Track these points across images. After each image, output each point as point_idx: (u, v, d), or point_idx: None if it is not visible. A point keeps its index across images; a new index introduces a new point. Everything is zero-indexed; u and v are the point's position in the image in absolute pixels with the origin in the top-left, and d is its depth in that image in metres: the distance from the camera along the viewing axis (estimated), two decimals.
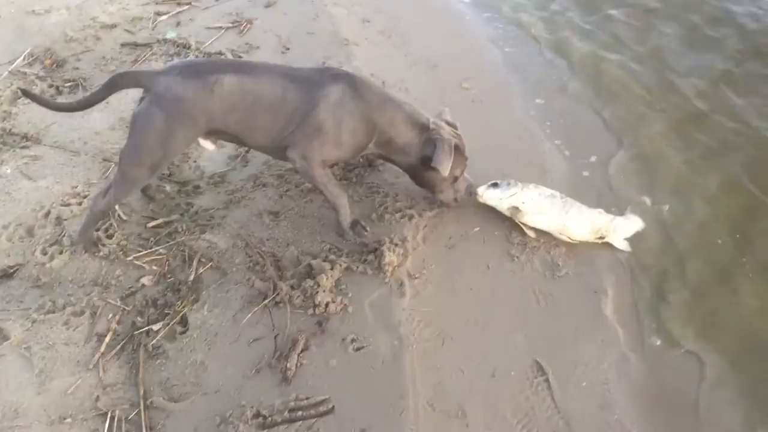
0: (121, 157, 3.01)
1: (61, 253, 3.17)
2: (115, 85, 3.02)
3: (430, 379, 2.71)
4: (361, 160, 3.73)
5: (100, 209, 3.12)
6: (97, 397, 2.64)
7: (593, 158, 4.06)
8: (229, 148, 3.87)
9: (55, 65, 4.71)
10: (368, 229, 3.28)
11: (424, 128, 3.17)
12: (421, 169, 3.24)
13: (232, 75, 2.94)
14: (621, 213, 3.49)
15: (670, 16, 5.59)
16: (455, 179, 3.31)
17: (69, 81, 4.52)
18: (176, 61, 3.10)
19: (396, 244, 3.20)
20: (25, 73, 4.55)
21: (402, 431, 2.54)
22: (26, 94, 3.30)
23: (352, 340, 2.81)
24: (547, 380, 2.74)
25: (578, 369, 2.80)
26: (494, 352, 2.85)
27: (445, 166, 3.10)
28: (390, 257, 3.12)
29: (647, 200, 3.67)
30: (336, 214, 3.26)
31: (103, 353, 2.78)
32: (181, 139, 2.99)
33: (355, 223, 3.28)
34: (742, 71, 4.87)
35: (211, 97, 2.89)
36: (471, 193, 3.43)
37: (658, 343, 2.97)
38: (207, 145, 3.13)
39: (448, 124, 3.31)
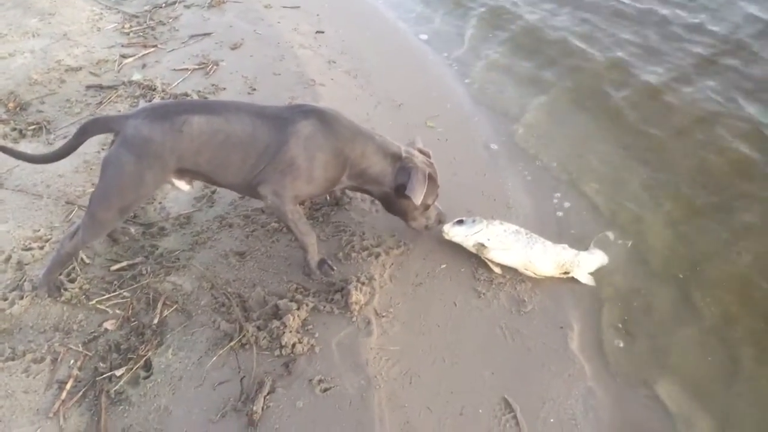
0: (91, 199, 2.98)
1: (21, 298, 3.11)
2: (86, 131, 3.00)
3: (398, 419, 2.69)
4: (328, 198, 3.74)
5: (67, 252, 3.07)
6: None
7: (557, 194, 4.13)
8: (196, 188, 3.86)
9: (18, 108, 4.68)
10: (334, 268, 3.28)
11: (396, 157, 3.21)
12: (395, 198, 3.27)
13: (200, 115, 2.93)
14: (585, 248, 3.53)
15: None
16: (427, 207, 3.34)
17: (33, 124, 4.49)
18: (146, 104, 3.09)
19: (363, 283, 3.21)
20: None
21: None
22: (5, 150, 3.21)
23: (320, 381, 2.79)
24: (515, 417, 2.74)
25: (546, 405, 2.80)
26: (462, 390, 2.84)
27: (418, 195, 3.14)
28: (357, 296, 3.11)
29: (610, 235, 3.72)
30: (304, 253, 3.26)
31: (63, 401, 2.72)
32: (151, 181, 2.95)
33: (322, 263, 3.28)
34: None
35: (180, 138, 2.88)
36: (441, 221, 3.48)
37: (624, 378, 2.99)
38: (181, 185, 3.11)
39: (421, 152, 3.36)
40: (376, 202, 3.57)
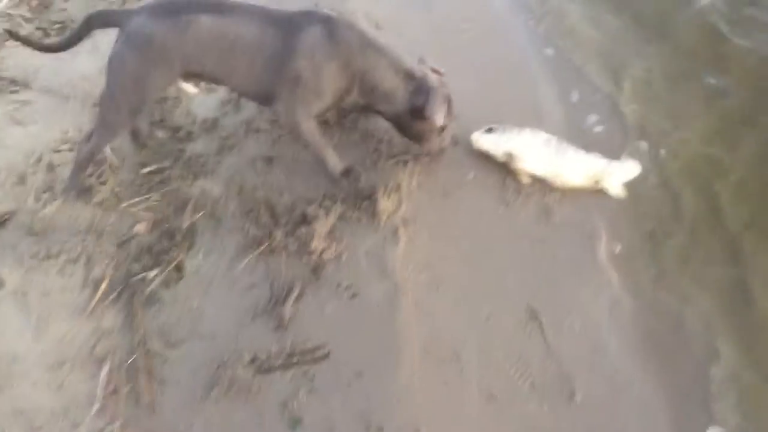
0: (100, 101, 2.98)
1: (54, 200, 3.16)
2: (90, 24, 2.94)
3: (425, 325, 2.74)
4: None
5: (84, 156, 3.09)
6: (94, 343, 2.68)
7: (592, 105, 4.01)
8: (221, 92, 3.81)
9: (41, 6, 4.58)
10: (362, 174, 3.24)
11: (410, 76, 3.07)
12: (409, 119, 3.14)
13: (208, 15, 2.83)
14: (617, 158, 3.46)
15: None
16: (443, 129, 3.23)
17: (56, 23, 4.40)
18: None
19: (390, 191, 3.19)
20: (11, 15, 4.43)
21: (397, 376, 2.59)
22: (11, 34, 3.21)
23: (347, 287, 2.83)
24: (540, 324, 2.78)
25: (571, 313, 2.84)
26: (488, 298, 2.87)
27: (439, 116, 3.05)
28: (384, 204, 3.11)
29: (644, 145, 3.64)
30: (324, 167, 3.22)
31: (99, 300, 2.80)
32: (156, 80, 2.92)
33: (348, 170, 3.25)
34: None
35: (185, 38, 2.81)
36: (456, 142, 3.41)
37: (652, 287, 2.99)
38: (189, 88, 3.08)
39: (433, 70, 3.20)
40: None
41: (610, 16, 4.80)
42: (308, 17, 2.95)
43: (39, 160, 3.35)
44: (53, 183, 3.24)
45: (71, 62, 4.01)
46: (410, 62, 3.12)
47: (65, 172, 3.26)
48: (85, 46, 4.06)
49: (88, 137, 3.08)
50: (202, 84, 3.20)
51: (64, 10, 4.55)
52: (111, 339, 2.71)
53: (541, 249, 3.09)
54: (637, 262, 3.10)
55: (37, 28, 4.31)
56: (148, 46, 2.79)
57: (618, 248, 3.14)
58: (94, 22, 2.94)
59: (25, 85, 3.85)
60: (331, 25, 2.94)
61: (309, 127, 3.09)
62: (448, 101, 3.14)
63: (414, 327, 2.72)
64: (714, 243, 3.19)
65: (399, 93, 3.07)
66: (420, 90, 3.05)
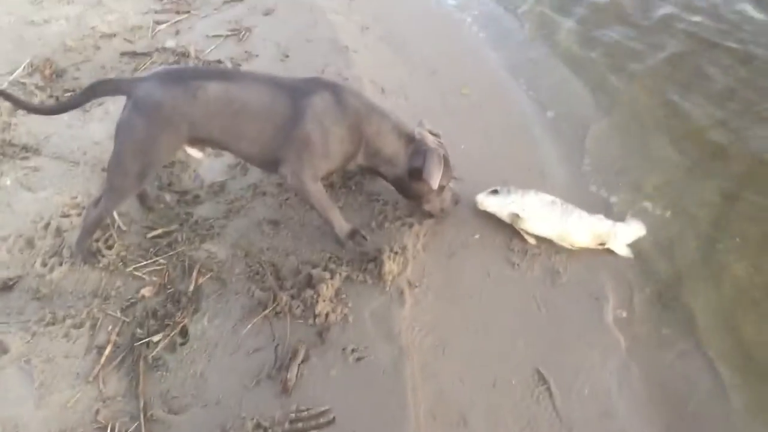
0: (108, 166, 3.00)
1: (60, 264, 3.18)
2: (94, 91, 2.98)
3: (431, 389, 2.70)
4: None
5: (92, 221, 3.12)
6: (98, 410, 2.64)
7: (594, 163, 4.05)
8: (228, 156, 3.87)
9: (54, 75, 4.71)
10: (367, 237, 3.25)
11: (410, 138, 3.16)
12: (409, 181, 3.21)
13: (217, 82, 2.90)
14: (622, 219, 3.47)
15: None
16: (442, 189, 3.28)
17: (68, 90, 4.52)
18: (159, 68, 3.15)
19: (396, 253, 3.19)
20: (25, 84, 4.54)
21: None
22: (3, 95, 3.15)
23: (353, 350, 2.80)
24: (548, 388, 2.73)
25: (580, 377, 2.79)
26: (495, 361, 2.84)
27: (435, 178, 3.08)
28: (390, 266, 3.11)
29: (648, 205, 3.66)
30: (331, 228, 3.23)
31: (103, 365, 2.78)
32: (164, 146, 2.94)
33: (353, 233, 3.25)
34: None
35: (194, 103, 2.85)
36: (457, 202, 3.43)
37: (660, 350, 2.96)
38: (194, 153, 3.11)
39: (431, 133, 3.29)
40: None
41: (611, 77, 4.91)
42: (316, 84, 3.03)
43: (47, 224, 3.39)
44: (61, 247, 3.27)
45: (82, 129, 4.11)
46: (410, 126, 3.20)
47: (73, 237, 3.28)
48: (96, 113, 4.21)
49: (96, 202, 3.11)
50: (208, 149, 3.23)
51: (77, 78, 4.69)
52: (114, 405, 2.67)
53: (548, 311, 3.07)
54: (645, 324, 3.07)
55: (50, 96, 4.43)
56: (156, 112, 2.82)
57: (625, 310, 3.11)
58: (99, 90, 2.98)
59: (36, 151, 3.92)
60: (338, 92, 3.03)
61: (316, 188, 3.11)
62: (446, 162, 3.19)
63: (420, 391, 2.67)
64: (720, 303, 3.16)
65: (400, 156, 3.16)
66: (418, 152, 3.13)
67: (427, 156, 3.09)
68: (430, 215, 3.40)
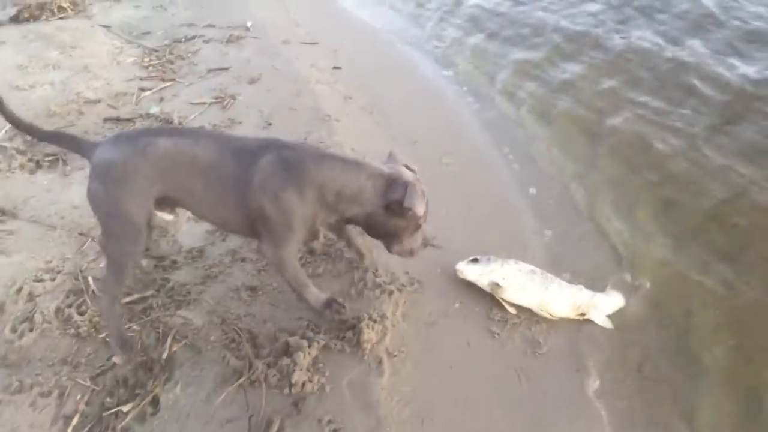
0: (99, 241, 2.98)
1: (31, 330, 3.10)
2: (60, 139, 3.01)
3: None
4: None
5: (107, 305, 3.01)
6: None
7: (576, 234, 4.08)
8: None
9: (36, 139, 4.70)
10: (345, 306, 3.18)
11: (375, 173, 2.88)
12: (383, 217, 2.93)
13: (167, 137, 2.83)
14: (602, 290, 3.47)
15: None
16: (417, 228, 3.05)
17: (49, 155, 4.52)
18: (115, 132, 3.11)
19: (375, 321, 3.15)
20: (6, 147, 4.54)
21: None
22: None
23: (329, 422, 2.72)
24: None
25: None
26: None
27: (420, 207, 2.86)
28: (369, 334, 3.06)
29: (627, 276, 3.67)
30: (306, 303, 3.16)
31: None
32: (128, 207, 2.81)
33: (330, 302, 3.17)
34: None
35: (144, 160, 2.77)
36: (427, 244, 3.28)
37: (642, 423, 2.91)
38: (164, 215, 3.05)
39: (407, 168, 3.06)
40: None
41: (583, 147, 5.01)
42: (264, 147, 2.85)
43: (19, 289, 3.31)
44: (32, 313, 3.19)
45: (62, 192, 4.09)
46: (371, 162, 2.95)
47: (45, 302, 3.22)
48: (76, 176, 4.20)
49: (104, 285, 3.07)
50: (189, 213, 3.20)
51: None
52: None
53: (528, 382, 3.02)
54: (627, 396, 3.03)
55: (29, 160, 4.41)
56: (110, 173, 2.78)
57: (606, 382, 3.07)
58: (63, 140, 3.00)
59: (13, 215, 3.89)
60: (283, 152, 2.82)
61: (294, 265, 3.05)
62: (425, 196, 2.97)
63: None
64: (704, 375, 3.14)
65: (366, 192, 2.87)
66: (395, 185, 2.86)
67: (408, 187, 2.83)
68: (400, 255, 3.16)
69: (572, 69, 6.33)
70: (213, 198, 2.89)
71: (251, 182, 2.79)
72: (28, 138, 4.67)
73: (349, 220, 3.06)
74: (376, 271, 3.51)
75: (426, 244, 3.27)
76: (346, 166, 2.88)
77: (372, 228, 3.06)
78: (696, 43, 6.39)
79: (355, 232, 3.46)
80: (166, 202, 2.95)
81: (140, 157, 2.78)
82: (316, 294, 3.15)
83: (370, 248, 3.55)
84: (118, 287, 3.03)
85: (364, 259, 3.55)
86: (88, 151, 2.88)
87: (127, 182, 2.79)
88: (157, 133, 2.87)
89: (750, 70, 5.76)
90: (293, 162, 2.81)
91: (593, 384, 3.05)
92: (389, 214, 2.92)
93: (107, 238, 2.93)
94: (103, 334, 3.11)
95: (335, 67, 6.33)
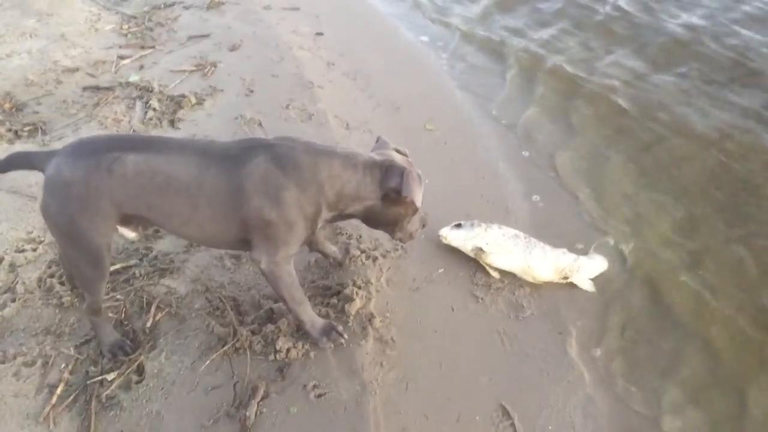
0: (59, 257, 2.72)
1: (13, 300, 3.09)
2: (9, 164, 2.69)
3: (394, 425, 2.65)
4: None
5: (92, 318, 2.85)
6: None
7: (557, 198, 4.09)
8: None
9: (14, 109, 4.65)
10: (345, 335, 2.94)
11: (370, 165, 2.75)
12: (382, 207, 2.81)
13: (136, 153, 2.49)
14: (585, 253, 3.49)
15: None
16: (416, 211, 2.94)
17: (28, 125, 4.46)
18: (75, 140, 2.65)
19: (359, 287, 3.16)
20: None
21: None
22: None
23: (314, 387, 2.74)
24: (512, 424, 2.70)
25: (544, 412, 2.76)
26: (459, 396, 2.79)
27: (418, 195, 2.74)
28: (353, 300, 3.07)
29: (610, 240, 3.69)
30: (301, 324, 2.91)
31: (54, 405, 2.67)
32: (87, 229, 2.51)
33: (328, 329, 2.93)
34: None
35: (110, 179, 2.45)
36: (424, 225, 3.22)
37: (624, 385, 2.95)
38: (126, 232, 2.74)
39: (398, 152, 2.98)
40: None
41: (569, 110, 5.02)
42: (246, 149, 2.61)
43: (1, 260, 3.29)
44: (14, 283, 3.17)
45: None
46: (363, 153, 2.84)
47: (27, 272, 3.20)
48: (56, 146, 4.13)
49: (82, 297, 2.82)
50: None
51: (37, 113, 4.64)
52: None
53: (512, 345, 3.05)
54: (608, 358, 3.07)
55: (8, 130, 4.35)
56: (67, 191, 2.45)
57: (588, 344, 3.11)
58: (13, 163, 2.69)
59: None
60: (273, 152, 2.60)
61: (289, 272, 2.78)
62: (421, 180, 2.85)
63: (383, 427, 2.61)
64: (683, 337, 3.18)
65: (366, 186, 2.74)
66: (391, 173, 2.73)
67: (404, 175, 2.70)
68: (401, 241, 3.08)
69: (559, 26, 6.38)
70: (196, 215, 2.59)
71: (242, 189, 2.53)
72: (6, 106, 4.61)
73: (348, 216, 2.90)
74: (360, 237, 3.52)
75: (424, 224, 3.22)
76: (342, 161, 2.71)
77: (371, 220, 2.94)
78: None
79: (322, 236, 3.36)
80: (130, 221, 2.66)
81: (105, 175, 2.45)
82: (312, 317, 2.92)
83: (342, 254, 3.42)
84: (94, 299, 2.78)
85: (342, 264, 3.38)
86: (41, 162, 2.54)
87: (88, 204, 2.48)
88: (125, 147, 2.51)
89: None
90: (288, 160, 2.60)
91: (575, 346, 3.08)
92: (388, 204, 2.81)
93: (65, 257, 2.70)
94: None
95: (317, 33, 6.25)
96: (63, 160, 2.47)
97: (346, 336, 2.93)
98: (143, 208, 2.55)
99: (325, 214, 2.75)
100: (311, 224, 2.72)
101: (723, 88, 5.21)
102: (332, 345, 2.91)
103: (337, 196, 2.71)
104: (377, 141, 3.06)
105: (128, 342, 2.92)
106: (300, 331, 2.94)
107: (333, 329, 2.92)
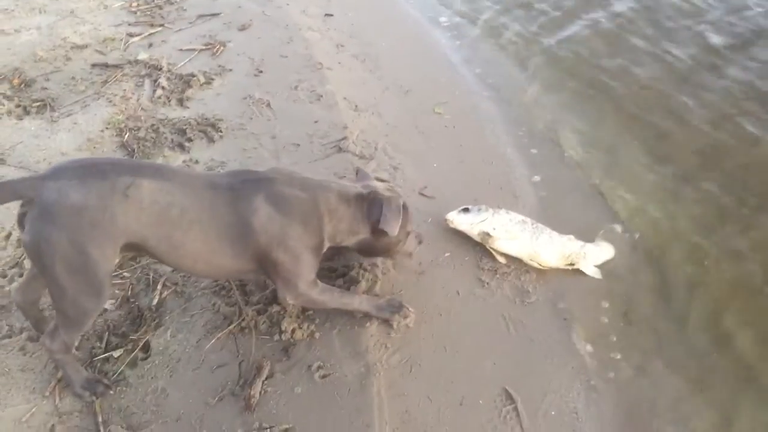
0: (51, 296, 2.41)
1: (21, 275, 3.09)
2: None
3: (397, 407, 2.66)
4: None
5: (57, 357, 2.60)
6: (53, 425, 2.56)
7: (567, 185, 4.07)
8: (202, 163, 3.85)
9: (23, 85, 4.65)
10: (411, 309, 3.00)
11: (358, 198, 2.79)
12: (372, 239, 2.85)
13: (151, 180, 2.35)
14: (591, 240, 3.48)
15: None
16: (407, 236, 3.01)
17: (37, 101, 4.46)
18: (64, 161, 2.42)
19: (365, 270, 3.16)
20: None
21: None
22: None
23: (319, 367, 2.75)
24: (515, 409, 2.70)
25: (547, 397, 2.77)
26: (463, 380, 2.80)
27: (394, 226, 2.75)
28: (359, 283, 3.07)
29: (618, 227, 3.68)
30: (367, 315, 2.96)
31: (59, 379, 2.69)
32: (97, 259, 2.30)
33: (399, 306, 2.99)
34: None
35: (125, 204, 2.28)
36: (420, 242, 3.22)
37: (627, 371, 2.95)
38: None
39: (379, 180, 2.98)
40: None
41: (585, 104, 4.98)
42: (248, 184, 2.57)
43: (8, 235, 3.31)
44: (21, 258, 3.18)
45: (49, 139, 4.05)
46: (351, 186, 2.88)
47: None
48: (64, 123, 4.16)
49: (52, 333, 2.52)
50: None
51: (46, 89, 4.63)
52: (71, 421, 2.59)
53: (516, 330, 3.05)
54: (612, 345, 3.07)
55: (17, 106, 4.35)
56: (78, 218, 2.22)
57: (593, 330, 3.11)
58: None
59: (1, 161, 3.84)
60: (273, 189, 2.58)
61: (320, 291, 2.81)
62: (405, 207, 2.89)
63: (386, 409, 2.63)
64: (688, 325, 3.18)
65: (357, 220, 2.79)
66: (373, 204, 2.78)
67: (384, 206, 2.75)
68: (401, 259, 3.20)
69: (564, 4, 6.39)
70: (200, 249, 2.50)
71: (250, 225, 2.51)
72: (14, 82, 4.61)
73: (348, 249, 2.97)
74: None
75: (420, 240, 3.22)
76: (336, 196, 2.73)
77: (368, 250, 2.98)
78: None
79: None
80: (130, 251, 2.52)
81: (120, 200, 2.28)
82: (367, 305, 2.95)
83: None
84: (72, 337, 2.57)
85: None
86: (30, 189, 2.24)
87: (100, 232, 2.28)
88: (137, 172, 2.36)
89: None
90: (286, 199, 2.59)
91: (580, 332, 3.08)
92: (377, 236, 2.83)
93: (61, 294, 2.35)
94: None
95: (327, 14, 6.22)
96: (68, 183, 2.22)
97: (411, 309, 3.00)
98: (152, 239, 2.39)
99: (327, 245, 2.77)
100: (318, 253, 2.74)
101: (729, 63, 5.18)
102: (401, 320, 2.96)
103: (335, 229, 2.75)
104: (357, 173, 3.10)
105: (102, 379, 2.71)
106: (304, 312, 2.96)
107: (402, 306, 2.99)
